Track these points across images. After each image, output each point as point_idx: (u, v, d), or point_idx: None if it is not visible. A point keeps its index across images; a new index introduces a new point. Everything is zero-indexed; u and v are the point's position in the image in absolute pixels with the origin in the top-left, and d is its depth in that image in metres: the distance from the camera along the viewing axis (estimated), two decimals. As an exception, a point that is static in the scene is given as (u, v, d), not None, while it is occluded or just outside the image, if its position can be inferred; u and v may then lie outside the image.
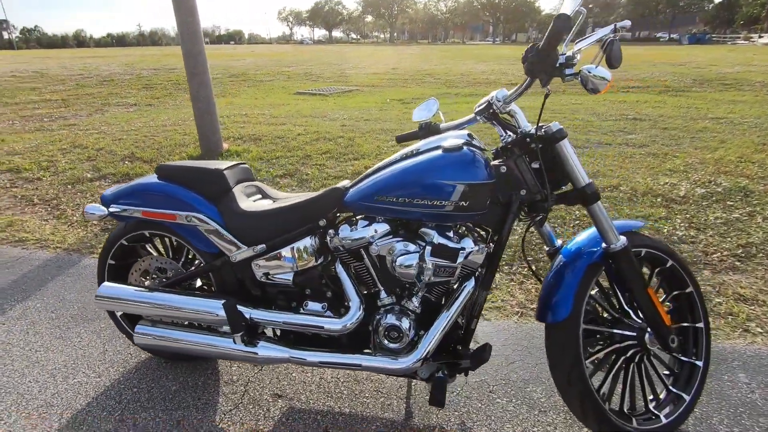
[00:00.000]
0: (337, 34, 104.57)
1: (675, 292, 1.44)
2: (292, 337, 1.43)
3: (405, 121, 6.28)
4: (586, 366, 1.26)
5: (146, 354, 1.73)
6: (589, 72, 1.11)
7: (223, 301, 1.33)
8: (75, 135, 5.62)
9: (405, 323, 1.31)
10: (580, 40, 1.18)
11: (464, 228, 1.32)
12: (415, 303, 1.34)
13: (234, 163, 1.53)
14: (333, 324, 1.33)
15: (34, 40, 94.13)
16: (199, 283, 1.62)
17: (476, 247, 1.27)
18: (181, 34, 3.90)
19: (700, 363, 1.41)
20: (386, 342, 1.32)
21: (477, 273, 1.32)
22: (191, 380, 1.62)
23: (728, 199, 3.12)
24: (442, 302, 1.35)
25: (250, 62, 20.27)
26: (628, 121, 5.75)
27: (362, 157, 4.37)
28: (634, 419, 1.34)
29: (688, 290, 1.42)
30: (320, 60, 22.17)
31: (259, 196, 1.54)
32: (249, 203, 1.43)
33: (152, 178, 1.48)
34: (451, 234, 1.28)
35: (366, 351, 1.38)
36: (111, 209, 1.45)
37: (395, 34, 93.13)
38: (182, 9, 3.79)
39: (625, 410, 1.38)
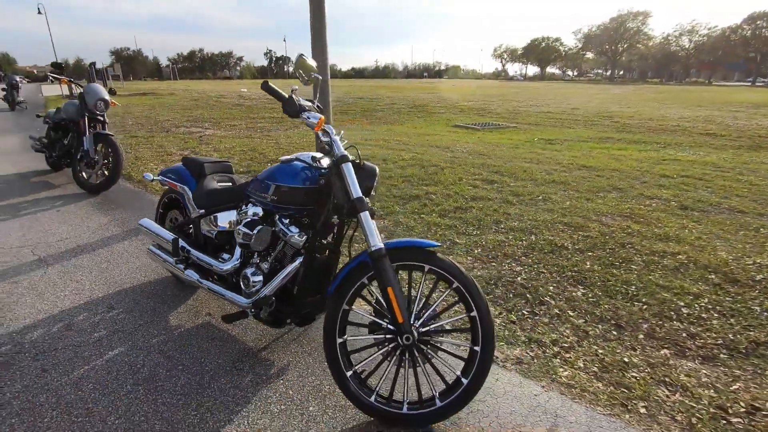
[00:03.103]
0: (553, 70, 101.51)
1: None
2: (203, 271, 2.19)
3: (515, 159, 6.34)
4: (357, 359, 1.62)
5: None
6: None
7: (173, 237, 2.23)
8: (256, 142, 7.75)
9: (254, 277, 1.93)
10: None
11: (295, 219, 1.86)
12: (264, 265, 1.95)
13: (219, 160, 2.42)
14: (220, 266, 2.05)
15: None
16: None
17: (296, 233, 1.80)
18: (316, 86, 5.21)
19: (477, 348, 1.54)
20: (242, 285, 1.96)
21: (302, 252, 1.83)
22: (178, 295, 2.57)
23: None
24: (280, 268, 1.91)
25: (440, 96, 22.16)
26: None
27: (435, 184, 4.84)
28: (405, 405, 1.59)
29: (472, 314, 1.59)
30: (506, 96, 22.49)
31: (227, 183, 2.37)
32: (211, 185, 2.29)
33: (179, 164, 2.50)
34: (286, 221, 1.85)
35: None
36: (156, 178, 2.53)
37: (620, 71, 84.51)
38: (316, 48, 5.08)
39: (394, 397, 1.65)
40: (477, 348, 1.55)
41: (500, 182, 4.99)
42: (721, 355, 2.05)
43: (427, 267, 1.61)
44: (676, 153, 7.28)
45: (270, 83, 1.66)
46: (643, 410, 1.71)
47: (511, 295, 2.57)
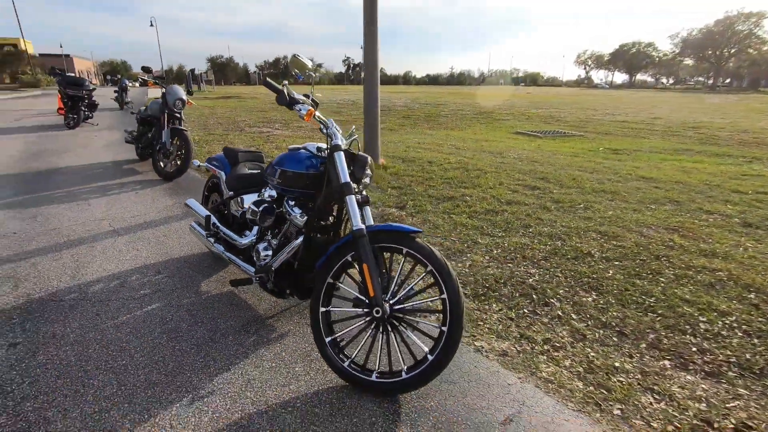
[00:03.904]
0: (644, 78, 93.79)
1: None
2: (224, 242, 2.50)
3: (567, 168, 6.12)
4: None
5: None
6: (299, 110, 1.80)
7: (207, 214, 2.57)
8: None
9: (265, 251, 2.19)
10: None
11: (299, 201, 2.08)
12: (274, 242, 2.20)
13: (253, 150, 2.74)
14: (240, 241, 2.34)
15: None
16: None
17: (298, 213, 2.03)
18: (365, 79, 5.48)
19: (444, 328, 1.63)
20: (255, 258, 2.23)
21: (303, 232, 2.05)
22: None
23: None
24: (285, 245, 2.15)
25: (509, 102, 21.61)
26: None
27: (474, 187, 4.87)
28: (375, 373, 1.74)
29: (443, 296, 1.69)
30: (581, 104, 21.34)
31: (256, 171, 2.68)
32: (241, 171, 2.60)
33: (221, 153, 2.86)
34: (291, 203, 2.08)
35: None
36: (201, 164, 2.92)
37: (726, 79, 75.85)
38: (367, 61, 5.35)
39: (368, 366, 1.81)
40: (444, 328, 1.65)
41: (543, 189, 4.88)
42: (729, 373, 1.92)
43: (405, 250, 1.74)
44: (762, 168, 6.52)
45: (268, 79, 1.91)
46: (617, 412, 1.69)
47: (516, 295, 2.58)
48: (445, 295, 1.66)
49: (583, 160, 7.04)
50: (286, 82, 1.93)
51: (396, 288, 1.79)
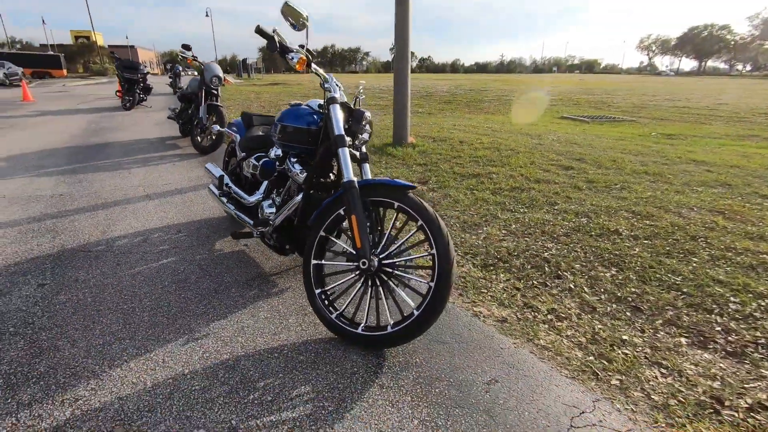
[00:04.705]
0: (716, 64, 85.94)
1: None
2: (236, 201, 2.56)
3: (609, 150, 5.76)
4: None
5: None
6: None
7: (220, 174, 2.65)
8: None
9: (269, 208, 2.23)
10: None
11: (300, 158, 2.09)
12: (278, 200, 2.23)
13: (267, 115, 2.78)
14: (247, 199, 2.40)
15: (425, 67, 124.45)
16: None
17: (299, 170, 2.04)
18: (395, 57, 5.40)
19: (432, 284, 1.58)
20: (259, 214, 2.28)
21: (303, 188, 2.07)
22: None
23: None
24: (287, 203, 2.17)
25: (558, 89, 20.61)
26: None
27: (502, 165, 4.70)
28: (361, 326, 1.74)
29: (432, 251, 1.64)
30: (638, 90, 19.95)
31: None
32: (254, 133, 2.65)
33: (239, 118, 2.93)
34: (293, 160, 2.10)
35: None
36: (221, 129, 3.01)
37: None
38: (398, 39, 5.27)
39: (356, 319, 1.80)
40: (432, 284, 1.61)
41: (577, 169, 4.62)
42: (755, 355, 1.74)
43: (396, 204, 1.71)
44: (840, 154, 5.81)
45: (260, 25, 1.90)
46: (615, 382, 1.58)
47: (528, 267, 2.47)
48: (434, 251, 1.62)
49: (630, 143, 6.58)
50: (276, 28, 1.92)
51: (387, 243, 1.76)
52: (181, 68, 18.16)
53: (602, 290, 2.22)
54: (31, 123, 8.36)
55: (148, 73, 10.98)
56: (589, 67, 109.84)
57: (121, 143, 6.27)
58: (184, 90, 6.10)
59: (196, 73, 5.95)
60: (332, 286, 1.87)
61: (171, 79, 17.61)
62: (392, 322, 1.68)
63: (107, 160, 5.17)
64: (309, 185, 2.01)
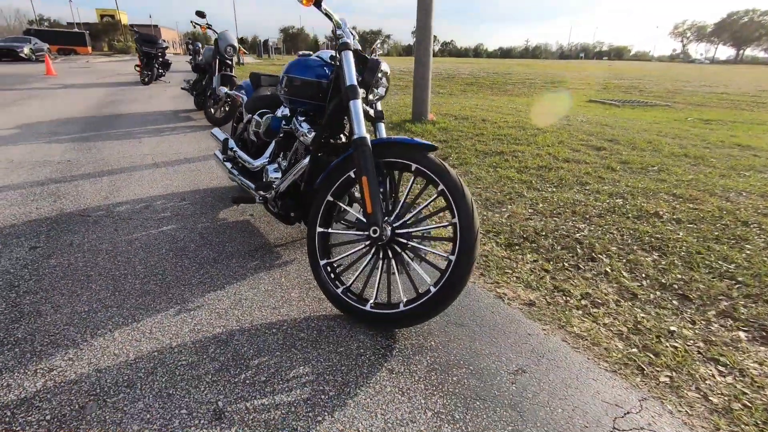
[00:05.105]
0: (756, 53, 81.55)
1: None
2: (241, 166, 2.38)
3: (644, 132, 5.37)
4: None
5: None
6: None
7: (224, 137, 2.46)
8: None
9: (274, 173, 2.03)
10: None
11: (308, 116, 1.87)
12: (284, 163, 2.03)
13: (276, 75, 2.57)
14: (251, 163, 2.21)
15: (447, 51, 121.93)
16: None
17: (306, 129, 1.83)
18: (417, 28, 5.10)
19: (452, 257, 1.37)
20: (264, 179, 2.08)
21: (310, 150, 1.86)
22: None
23: None
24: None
25: (587, 73, 19.81)
26: None
27: (528, 144, 4.40)
28: (369, 303, 1.53)
29: (454, 220, 1.43)
30: (671, 76, 18.99)
31: None
32: (261, 93, 2.45)
33: (247, 79, 2.73)
34: (301, 118, 1.89)
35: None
36: (227, 91, 2.81)
37: None
38: (420, 8, 4.97)
39: (364, 296, 1.61)
40: (452, 257, 1.39)
41: (609, 150, 4.29)
42: (831, 355, 1.48)
43: (414, 166, 1.49)
44: None
45: None
46: (664, 379, 1.35)
47: (558, 248, 2.23)
48: (456, 220, 1.40)
49: (665, 127, 6.16)
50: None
51: (402, 211, 1.54)
52: (200, 45, 18.11)
53: (643, 275, 1.97)
54: (51, 94, 8.35)
55: (166, 47, 10.85)
56: (618, 53, 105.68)
57: (135, 114, 6.16)
58: (198, 60, 5.92)
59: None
60: (340, 257, 1.67)
61: (191, 56, 17.58)
62: (405, 300, 1.47)
63: (119, 130, 5.06)
64: (317, 146, 1.81)
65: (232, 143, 2.47)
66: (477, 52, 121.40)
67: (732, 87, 13.96)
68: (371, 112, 1.73)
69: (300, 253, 2.12)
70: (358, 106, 1.55)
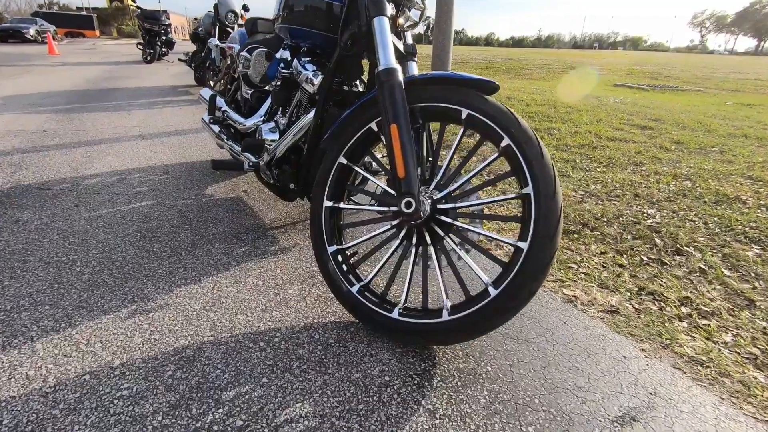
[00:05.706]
0: (775, 45, 78.84)
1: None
2: (232, 131, 1.92)
3: (688, 112, 4.83)
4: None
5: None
6: None
7: (211, 94, 2.00)
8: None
9: (270, 134, 1.57)
10: None
11: (315, 56, 1.41)
12: (282, 121, 1.57)
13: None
14: (243, 122, 1.75)
15: (457, 40, 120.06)
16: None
17: (311, 72, 1.37)
18: (436, 26, 4.60)
19: (523, 245, 0.92)
20: (256, 142, 1.63)
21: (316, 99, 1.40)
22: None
23: None
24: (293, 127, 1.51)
25: (606, 60, 19.05)
26: None
27: (563, 122, 3.90)
28: (397, 309, 1.07)
29: (525, 190, 0.96)
30: (695, 64, 18.16)
31: None
32: (257, 38, 1.98)
33: (242, 28, 2.26)
34: (305, 59, 1.42)
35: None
36: (220, 44, 2.34)
37: None
38: (440, 12, 4.47)
39: (388, 298, 1.15)
40: (523, 246, 0.93)
41: (656, 129, 3.78)
42: None
43: (465, 112, 1.02)
44: None
45: None
46: None
47: (629, 237, 1.76)
48: (529, 189, 0.93)
49: (707, 109, 5.60)
50: None
51: (445, 179, 1.08)
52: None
53: (753, 275, 1.50)
54: (48, 70, 7.93)
55: (169, 25, 10.37)
56: (633, 44, 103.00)
57: (130, 89, 5.72)
58: (196, 29, 5.45)
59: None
60: (355, 242, 1.21)
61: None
62: (450, 305, 1.02)
63: (111, 103, 4.62)
64: (326, 95, 1.34)
65: (220, 101, 2.02)
66: (488, 41, 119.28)
67: (764, 74, 13.20)
68: (400, 46, 1.26)
69: (303, 237, 1.67)
70: (384, 25, 1.08)
